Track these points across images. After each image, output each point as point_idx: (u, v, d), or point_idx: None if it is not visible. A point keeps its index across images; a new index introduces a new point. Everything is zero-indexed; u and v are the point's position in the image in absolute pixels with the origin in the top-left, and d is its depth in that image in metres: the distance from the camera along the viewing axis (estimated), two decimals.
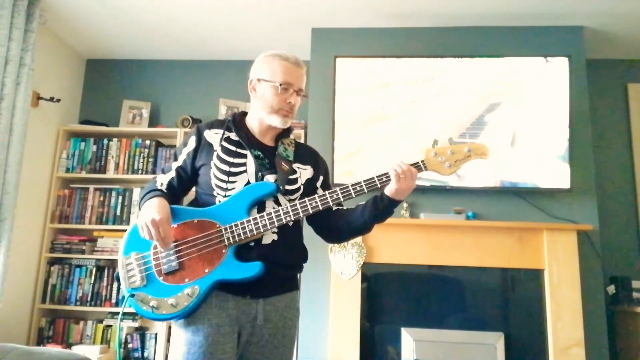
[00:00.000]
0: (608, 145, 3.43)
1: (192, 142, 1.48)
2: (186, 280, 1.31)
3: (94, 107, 3.79)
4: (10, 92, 2.75)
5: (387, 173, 1.36)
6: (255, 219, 1.34)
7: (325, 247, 2.92)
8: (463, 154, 1.38)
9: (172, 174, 1.48)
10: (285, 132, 1.55)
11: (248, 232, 1.34)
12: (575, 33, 3.18)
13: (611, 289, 3.02)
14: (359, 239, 2.87)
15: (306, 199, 1.37)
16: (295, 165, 1.49)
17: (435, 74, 3.08)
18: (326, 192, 1.39)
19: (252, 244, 1.35)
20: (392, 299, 2.91)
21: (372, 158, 3.03)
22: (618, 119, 3.47)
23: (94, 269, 3.30)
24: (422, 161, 1.38)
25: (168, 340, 3.16)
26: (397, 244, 2.90)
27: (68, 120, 3.64)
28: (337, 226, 1.48)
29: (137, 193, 3.39)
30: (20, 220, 3.00)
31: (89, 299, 3.27)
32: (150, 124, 3.65)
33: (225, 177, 1.40)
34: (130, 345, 3.21)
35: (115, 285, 3.29)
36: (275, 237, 1.38)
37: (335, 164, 3.02)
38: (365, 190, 1.36)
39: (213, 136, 1.47)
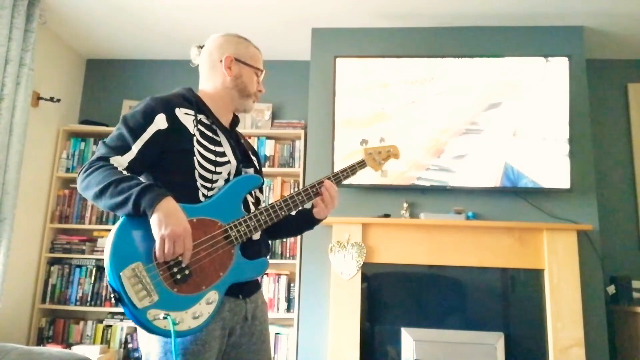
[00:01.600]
0: (608, 145, 3.43)
1: (161, 121, 1.25)
2: (203, 287, 1.18)
3: (94, 107, 3.79)
4: (10, 92, 2.75)
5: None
6: (255, 215, 1.30)
7: (325, 247, 2.93)
8: (385, 154, 1.62)
9: (133, 155, 1.22)
10: (238, 120, 1.51)
11: (252, 229, 1.29)
12: (575, 33, 3.18)
13: (611, 289, 3.02)
14: (359, 239, 2.88)
15: (293, 192, 1.39)
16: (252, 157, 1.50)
17: (435, 74, 3.08)
18: (310, 185, 1.42)
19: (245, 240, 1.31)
20: (392, 299, 2.91)
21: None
22: (618, 119, 3.47)
23: (94, 269, 3.31)
24: (363, 160, 1.56)
25: None
26: (397, 244, 2.90)
27: (68, 120, 3.64)
28: (277, 229, 1.48)
29: None
30: (20, 220, 3.00)
31: (89, 299, 3.28)
32: None
33: (212, 167, 1.29)
34: (130, 345, 3.21)
35: None
36: (260, 232, 1.36)
37: (336, 164, 3.02)
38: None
39: (184, 116, 1.30)
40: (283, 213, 1.35)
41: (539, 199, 3.00)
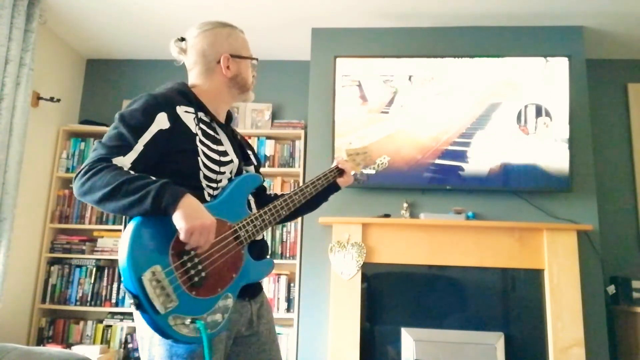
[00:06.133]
0: (608, 145, 3.43)
1: (163, 120, 1.18)
2: (219, 289, 1.15)
3: (94, 107, 3.79)
4: (10, 92, 2.75)
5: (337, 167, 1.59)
6: (260, 214, 1.29)
7: (325, 247, 2.92)
8: (362, 157, 1.77)
9: (135, 155, 1.14)
10: (231, 116, 1.47)
11: (259, 228, 1.27)
12: (575, 33, 3.18)
13: (611, 289, 3.02)
14: (359, 239, 2.88)
15: (297, 189, 1.42)
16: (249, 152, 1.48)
17: (435, 74, 3.08)
18: (303, 187, 1.45)
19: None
20: (392, 299, 2.91)
21: (372, 158, 3.03)
22: (618, 119, 3.47)
23: (94, 269, 3.30)
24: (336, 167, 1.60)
25: None
26: (397, 244, 2.90)
27: (68, 120, 3.64)
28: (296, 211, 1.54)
29: None
30: (20, 220, 3.00)
31: (89, 299, 3.27)
32: None
33: (216, 167, 1.25)
34: (130, 345, 3.21)
35: (115, 285, 3.29)
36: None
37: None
38: (330, 179, 1.56)
39: (185, 115, 1.24)
40: (284, 212, 1.36)
41: (539, 199, 3.00)
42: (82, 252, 3.33)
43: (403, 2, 3.00)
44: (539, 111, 3.00)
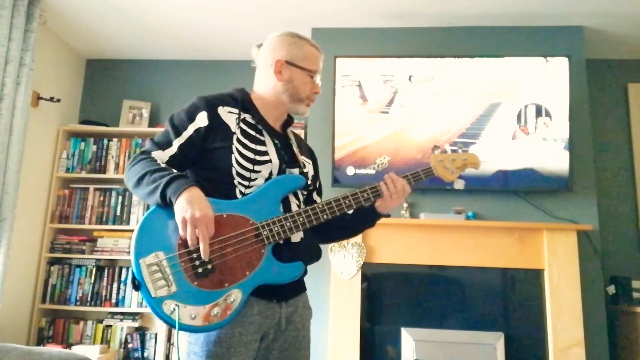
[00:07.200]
0: (608, 145, 3.43)
1: (202, 118, 1.27)
2: (226, 284, 1.15)
3: (94, 107, 3.79)
4: (10, 92, 2.75)
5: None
6: (292, 215, 1.25)
7: (325, 247, 2.92)
8: (461, 162, 1.55)
9: (173, 151, 1.26)
10: (291, 121, 1.48)
11: (287, 230, 1.24)
12: (575, 33, 3.18)
13: (611, 289, 3.02)
14: (359, 239, 2.88)
15: (339, 196, 1.33)
16: (302, 159, 1.43)
17: (435, 74, 3.08)
18: (357, 190, 1.35)
19: (282, 241, 1.25)
20: (392, 299, 2.91)
21: (372, 158, 3.03)
22: (618, 119, 3.47)
23: (94, 269, 3.30)
24: (430, 168, 1.53)
25: (168, 340, 3.16)
26: (397, 244, 2.90)
27: (68, 120, 3.64)
28: (327, 230, 1.44)
29: None
30: (20, 220, 3.00)
31: (89, 299, 3.27)
32: (150, 124, 3.64)
33: (250, 166, 1.26)
34: (130, 345, 3.21)
35: (115, 285, 3.29)
36: (302, 234, 1.30)
37: (336, 165, 3.02)
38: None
39: (227, 115, 1.30)
40: (325, 216, 1.29)
41: (539, 199, 2.99)
42: (82, 252, 3.32)
43: (403, 2, 3.00)
44: (539, 111, 3.00)
